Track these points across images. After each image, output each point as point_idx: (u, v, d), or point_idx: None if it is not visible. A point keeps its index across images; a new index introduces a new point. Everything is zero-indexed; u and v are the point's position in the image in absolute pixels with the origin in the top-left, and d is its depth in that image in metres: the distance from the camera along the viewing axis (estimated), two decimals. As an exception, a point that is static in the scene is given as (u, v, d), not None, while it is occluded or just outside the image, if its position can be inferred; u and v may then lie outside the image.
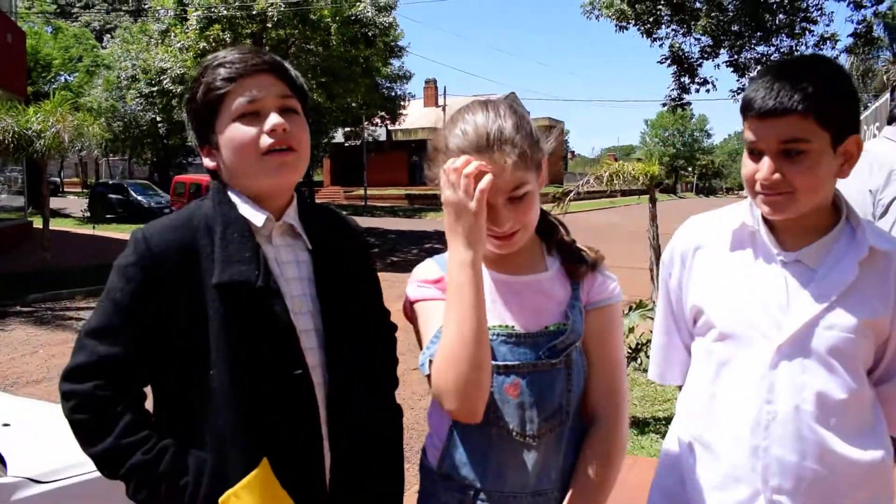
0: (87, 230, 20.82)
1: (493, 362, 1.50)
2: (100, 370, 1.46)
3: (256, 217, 1.54)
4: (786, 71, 1.57)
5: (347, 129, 34.45)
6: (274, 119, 1.50)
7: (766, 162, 1.55)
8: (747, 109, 1.57)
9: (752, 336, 1.63)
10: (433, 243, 22.85)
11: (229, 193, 1.56)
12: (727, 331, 1.67)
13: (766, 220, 1.68)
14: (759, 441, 1.60)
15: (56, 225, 19.52)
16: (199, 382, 1.46)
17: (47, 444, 2.77)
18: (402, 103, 35.44)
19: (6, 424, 2.90)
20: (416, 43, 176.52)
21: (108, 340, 1.47)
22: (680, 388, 1.88)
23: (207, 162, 1.60)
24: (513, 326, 1.57)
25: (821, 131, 1.51)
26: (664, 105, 16.67)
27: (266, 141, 1.50)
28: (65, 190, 52.89)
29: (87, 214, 29.01)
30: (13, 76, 18.07)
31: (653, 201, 10.61)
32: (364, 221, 30.78)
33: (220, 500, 1.43)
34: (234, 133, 1.51)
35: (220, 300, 1.46)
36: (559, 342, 1.56)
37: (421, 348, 1.58)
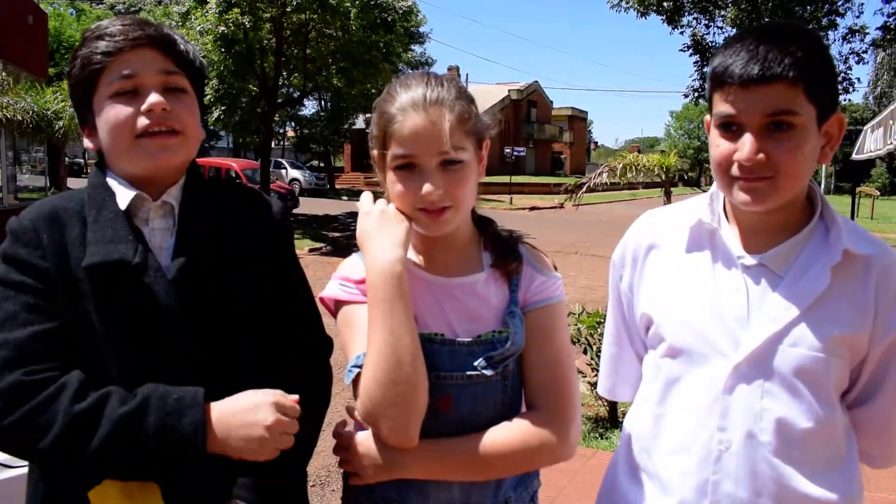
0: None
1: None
2: (17, 359, 1.32)
3: (124, 198, 1.42)
4: (769, 34, 1.35)
5: (368, 115, 34.21)
6: (153, 98, 1.39)
7: (748, 139, 1.31)
8: (724, 77, 1.34)
9: (705, 353, 1.42)
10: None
11: (107, 177, 1.46)
12: (678, 345, 1.46)
13: (727, 217, 1.49)
14: (709, 474, 1.39)
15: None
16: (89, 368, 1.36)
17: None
18: (423, 90, 35.25)
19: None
20: (438, 29, 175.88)
21: (11, 325, 1.34)
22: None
23: (87, 143, 1.48)
24: (443, 334, 1.42)
25: (808, 104, 1.31)
26: (686, 95, 16.40)
27: (142, 122, 1.39)
28: (88, 171, 53.35)
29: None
30: (35, 58, 18.15)
31: (667, 195, 10.41)
32: (382, 208, 30.52)
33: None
34: (109, 112, 1.40)
35: (93, 283, 1.36)
36: (497, 354, 1.42)
37: (346, 350, 1.45)
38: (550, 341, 1.47)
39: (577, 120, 70.88)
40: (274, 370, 1.49)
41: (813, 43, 1.35)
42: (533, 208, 32.48)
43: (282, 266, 1.59)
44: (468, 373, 1.41)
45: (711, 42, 15.62)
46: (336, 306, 1.48)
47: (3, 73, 11.95)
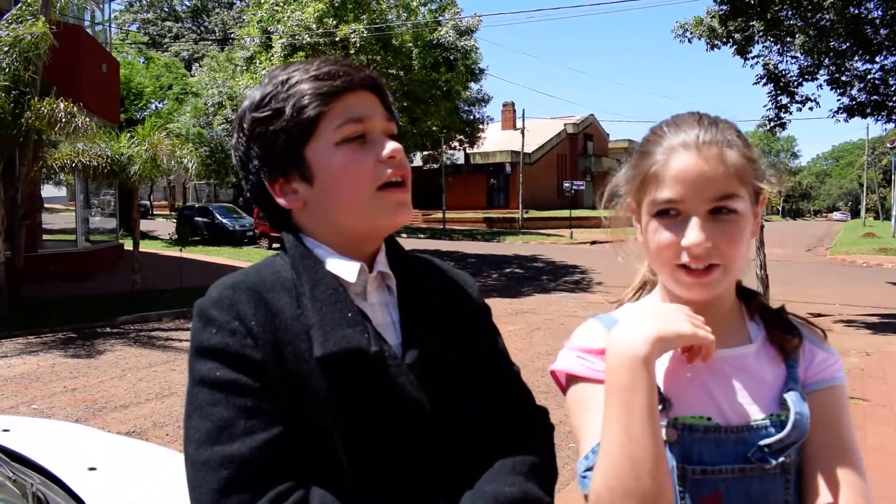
0: (174, 252, 21.42)
1: (687, 465, 1.16)
2: (240, 479, 1.06)
3: (348, 270, 1.23)
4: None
5: (426, 152, 34.56)
6: (393, 145, 1.21)
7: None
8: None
9: None
10: (513, 267, 22.54)
11: (309, 245, 1.25)
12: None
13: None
14: None
15: (145, 247, 20.06)
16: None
17: (134, 490, 2.59)
18: (480, 126, 35.55)
19: (91, 468, 2.73)
20: (494, 65, 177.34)
21: (227, 437, 1.09)
22: None
23: (284, 201, 1.25)
24: (709, 418, 1.18)
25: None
26: (759, 126, 15.96)
27: (384, 172, 1.20)
28: (154, 213, 54.95)
29: (175, 237, 29.87)
30: (108, 104, 18.74)
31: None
32: (442, 245, 30.85)
33: None
34: (343, 160, 1.20)
35: (326, 373, 1.14)
36: (776, 441, 1.17)
37: (575, 438, 1.24)
38: (839, 426, 1.22)
39: (634, 152, 70.14)
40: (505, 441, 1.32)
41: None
42: (594, 242, 32.07)
43: (492, 345, 1.41)
44: (741, 465, 1.17)
45: (785, 70, 15.23)
46: (568, 381, 1.28)
47: (84, 119, 12.26)
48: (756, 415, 1.19)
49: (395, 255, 1.33)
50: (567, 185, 38.39)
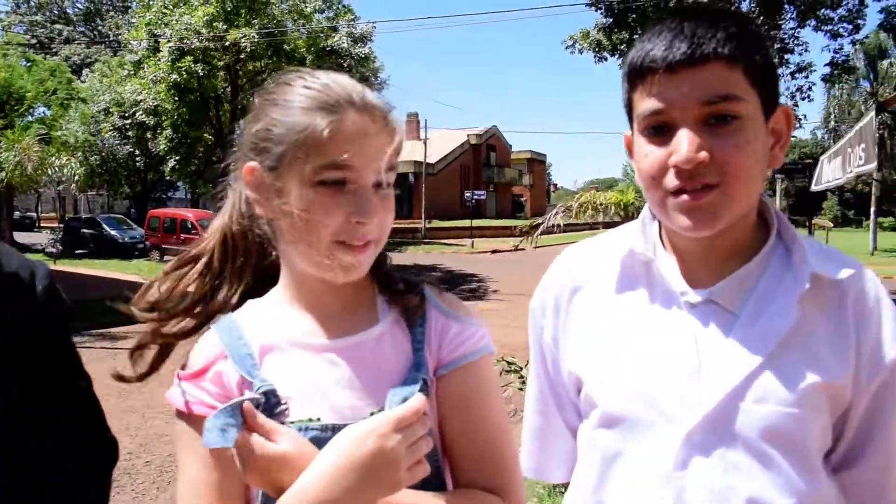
0: (55, 266, 20.25)
1: None
2: None
3: None
4: (693, 13, 1.07)
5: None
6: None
7: (684, 135, 1.02)
8: (644, 67, 1.05)
9: (649, 419, 1.10)
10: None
11: None
12: (614, 412, 1.14)
13: (664, 244, 1.19)
14: None
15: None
16: None
17: None
18: (382, 136, 35.43)
19: None
20: (396, 76, 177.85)
21: None
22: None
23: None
24: (318, 418, 1.04)
25: (751, 90, 1.04)
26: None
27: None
28: (41, 225, 52.24)
29: (58, 249, 28.46)
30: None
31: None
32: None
33: None
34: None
35: None
36: None
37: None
38: (478, 409, 1.12)
39: (537, 163, 71.54)
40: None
41: (745, 21, 1.08)
42: (495, 251, 32.33)
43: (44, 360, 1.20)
44: None
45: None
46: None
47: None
48: (375, 407, 1.06)
49: None
50: (468, 194, 38.67)
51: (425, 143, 45.20)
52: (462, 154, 55.40)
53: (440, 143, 52.25)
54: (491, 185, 57.77)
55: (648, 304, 1.16)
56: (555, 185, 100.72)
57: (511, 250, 30.69)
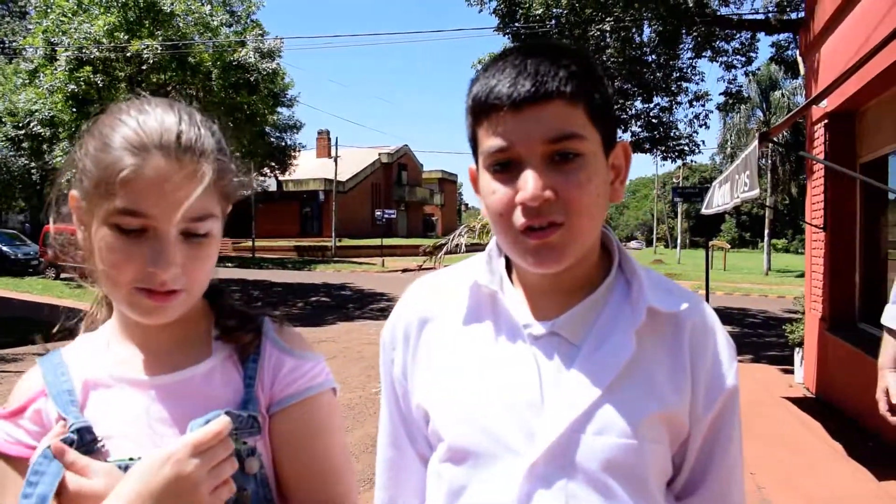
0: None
1: None
2: None
3: None
4: (537, 49, 1.07)
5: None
6: None
7: (530, 175, 1.02)
8: (489, 103, 1.05)
9: (493, 452, 1.10)
10: (320, 296, 22.12)
11: None
12: (459, 445, 1.13)
13: (511, 277, 1.20)
14: None
15: None
16: None
17: None
18: (292, 153, 34.96)
19: None
20: (307, 93, 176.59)
21: None
22: None
23: None
24: (140, 458, 0.98)
25: (591, 126, 1.05)
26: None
27: None
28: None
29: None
30: None
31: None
32: (250, 274, 29.88)
33: None
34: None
35: None
36: None
37: None
38: (314, 447, 1.12)
39: (448, 182, 72.19)
40: None
41: (586, 58, 1.09)
42: (405, 270, 32.34)
43: None
44: None
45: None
46: None
47: None
48: None
49: None
50: (379, 213, 38.58)
51: (336, 161, 44.89)
52: (373, 172, 55.35)
53: (351, 161, 52.07)
54: (402, 204, 57.88)
55: (494, 337, 1.16)
56: (466, 204, 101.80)
57: (417, 269, 30.84)
